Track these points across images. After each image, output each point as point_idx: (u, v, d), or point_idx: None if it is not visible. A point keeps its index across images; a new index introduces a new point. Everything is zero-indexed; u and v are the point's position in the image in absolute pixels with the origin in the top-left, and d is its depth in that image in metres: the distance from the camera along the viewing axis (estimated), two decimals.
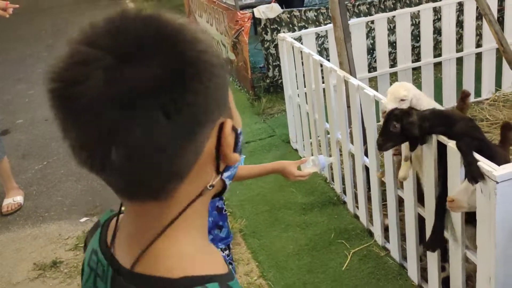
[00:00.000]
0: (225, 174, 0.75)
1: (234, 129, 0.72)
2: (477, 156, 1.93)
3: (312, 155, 3.61)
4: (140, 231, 0.73)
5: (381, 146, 2.28)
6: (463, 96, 2.59)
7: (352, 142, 3.01)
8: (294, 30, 4.68)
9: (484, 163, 1.86)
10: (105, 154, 0.63)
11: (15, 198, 3.73)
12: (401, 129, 2.18)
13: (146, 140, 0.62)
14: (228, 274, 0.75)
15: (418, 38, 4.42)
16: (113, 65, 0.61)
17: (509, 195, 1.83)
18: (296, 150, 3.96)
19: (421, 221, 2.45)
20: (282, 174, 2.05)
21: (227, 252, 2.15)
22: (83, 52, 0.62)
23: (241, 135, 0.76)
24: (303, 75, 3.51)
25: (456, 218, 2.13)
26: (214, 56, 0.67)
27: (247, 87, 5.08)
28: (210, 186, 0.72)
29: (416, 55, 4.65)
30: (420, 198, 2.42)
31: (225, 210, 2.11)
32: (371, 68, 4.56)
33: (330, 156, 3.28)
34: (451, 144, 2.04)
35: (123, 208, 0.79)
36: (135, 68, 0.61)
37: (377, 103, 2.61)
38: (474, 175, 1.89)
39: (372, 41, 4.64)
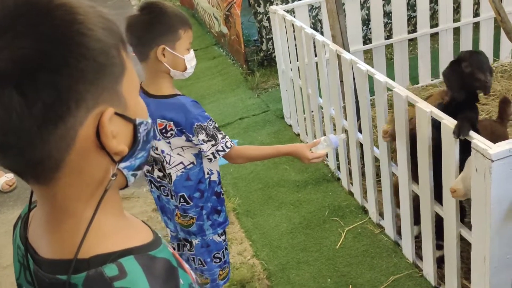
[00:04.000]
0: (122, 165, 0.73)
1: (130, 120, 0.72)
2: (472, 134, 1.86)
3: (306, 131, 3.55)
4: (43, 216, 0.74)
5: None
6: None
7: (346, 118, 2.94)
8: (287, 2, 4.56)
9: (479, 141, 1.80)
10: None
11: (7, 175, 3.65)
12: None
13: (1, 122, 0.62)
14: (149, 244, 0.74)
15: (414, 8, 4.30)
16: None
17: (505, 174, 1.77)
18: (290, 125, 3.89)
19: (416, 198, 2.40)
20: (296, 157, 2.01)
21: (223, 237, 2.10)
22: None
23: (144, 126, 0.74)
24: (296, 49, 3.42)
25: (450, 199, 2.07)
26: (94, 41, 0.65)
27: (240, 61, 4.97)
28: (112, 176, 0.71)
29: (413, 25, 4.54)
30: (415, 175, 2.37)
31: (223, 194, 2.07)
32: (367, 39, 4.45)
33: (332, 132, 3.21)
34: (446, 121, 1.98)
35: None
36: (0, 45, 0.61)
37: (370, 78, 2.53)
38: (462, 129, 1.84)
39: (367, 12, 4.52)
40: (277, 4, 4.54)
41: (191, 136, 1.85)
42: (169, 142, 1.88)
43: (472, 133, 1.87)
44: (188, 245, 2.09)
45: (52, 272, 0.71)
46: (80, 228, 0.70)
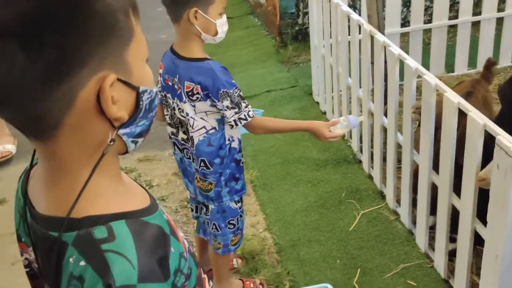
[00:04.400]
0: (122, 131, 0.73)
1: (133, 87, 0.71)
2: (497, 129, 1.81)
3: (333, 109, 3.51)
4: (42, 173, 0.76)
5: None
6: (488, 64, 2.42)
7: (373, 101, 2.89)
8: None
9: (503, 138, 1.75)
10: None
11: (5, 146, 3.57)
12: None
13: (3, 75, 0.63)
14: (144, 209, 0.75)
15: None
16: None
17: None
18: (317, 103, 3.85)
19: (434, 188, 2.36)
20: (314, 134, 2.03)
21: (239, 204, 2.14)
22: None
23: (147, 95, 0.74)
24: (330, 25, 3.36)
25: (469, 192, 2.03)
26: (101, 2, 0.65)
27: (274, 33, 4.92)
28: (110, 141, 0.72)
29: (455, 11, 4.40)
30: (436, 165, 2.33)
31: (242, 163, 2.09)
32: (407, 22, 4.34)
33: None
34: (472, 114, 1.93)
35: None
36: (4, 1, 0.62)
37: (401, 62, 2.47)
38: None
39: None
40: None
41: (216, 101, 1.87)
42: (194, 106, 1.91)
43: (497, 129, 1.82)
44: (205, 208, 2.13)
45: (45, 227, 0.73)
46: (76, 188, 0.71)
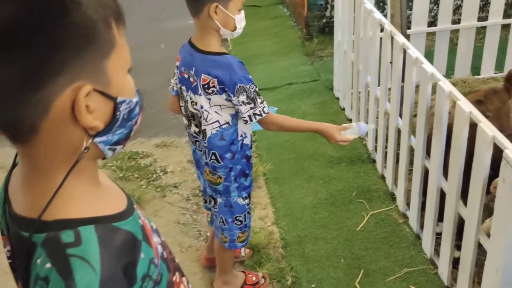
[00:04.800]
0: (98, 139, 0.75)
1: (110, 97, 0.73)
2: (505, 143, 1.78)
3: (352, 106, 3.49)
4: (21, 173, 0.78)
5: None
6: (509, 76, 2.36)
7: (389, 101, 2.86)
8: None
9: (510, 152, 1.72)
10: None
11: None
12: None
13: None
14: (117, 214, 0.77)
15: None
16: None
17: None
18: (337, 98, 3.83)
19: (442, 195, 2.34)
20: (324, 136, 2.04)
21: (247, 201, 2.16)
22: None
23: (126, 105, 0.75)
24: (354, 22, 3.32)
25: (475, 203, 2.01)
26: (80, 13, 0.66)
27: (301, 24, 4.89)
28: (84, 149, 0.73)
29: (487, 12, 4.29)
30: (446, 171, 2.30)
31: (252, 159, 2.11)
32: (437, 20, 4.25)
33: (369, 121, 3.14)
34: (482, 125, 1.90)
35: None
36: None
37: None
38: None
39: None
40: None
41: (232, 96, 1.89)
42: (209, 99, 1.93)
43: (506, 143, 1.78)
44: (213, 201, 2.16)
45: (18, 227, 0.76)
46: (50, 191, 0.73)
